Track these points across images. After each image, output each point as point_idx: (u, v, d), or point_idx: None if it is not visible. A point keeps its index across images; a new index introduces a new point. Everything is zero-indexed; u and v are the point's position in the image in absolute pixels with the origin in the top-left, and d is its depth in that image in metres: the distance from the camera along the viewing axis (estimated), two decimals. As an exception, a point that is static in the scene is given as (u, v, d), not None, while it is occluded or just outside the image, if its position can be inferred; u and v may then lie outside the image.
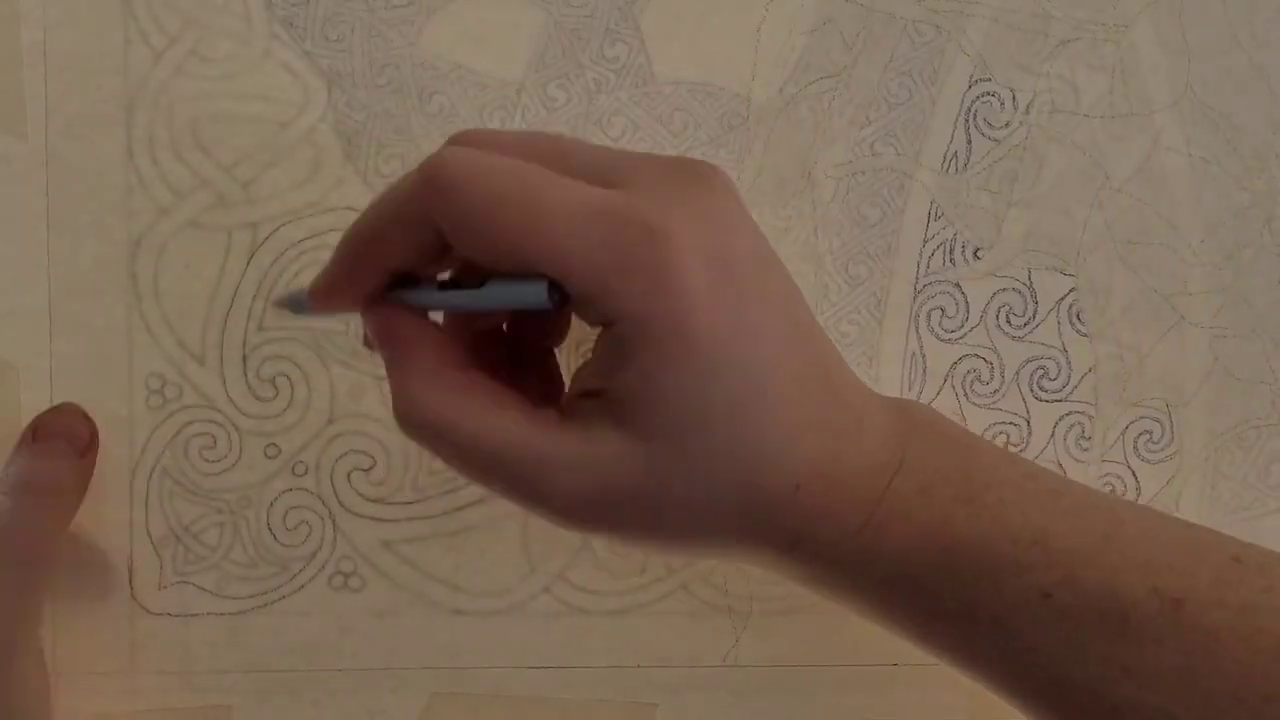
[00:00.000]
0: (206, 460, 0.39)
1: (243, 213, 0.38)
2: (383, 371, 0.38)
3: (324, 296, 0.31)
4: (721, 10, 0.39)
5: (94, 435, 0.38)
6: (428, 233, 0.29)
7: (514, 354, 0.33)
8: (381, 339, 0.31)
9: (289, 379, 0.39)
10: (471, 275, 0.30)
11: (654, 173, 0.29)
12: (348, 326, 0.39)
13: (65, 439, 0.37)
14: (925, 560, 0.29)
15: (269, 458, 0.39)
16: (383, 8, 0.38)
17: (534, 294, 0.28)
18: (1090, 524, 0.30)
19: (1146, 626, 0.28)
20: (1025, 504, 0.30)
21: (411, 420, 0.29)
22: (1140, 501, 0.41)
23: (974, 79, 0.40)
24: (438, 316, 0.32)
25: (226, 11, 0.38)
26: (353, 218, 0.38)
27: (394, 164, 0.39)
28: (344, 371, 0.39)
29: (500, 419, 0.29)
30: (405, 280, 0.31)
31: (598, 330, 0.29)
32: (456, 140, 0.31)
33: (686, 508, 0.28)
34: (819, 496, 0.29)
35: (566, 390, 0.32)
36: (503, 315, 0.33)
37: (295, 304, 0.33)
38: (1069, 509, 0.30)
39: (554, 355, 0.34)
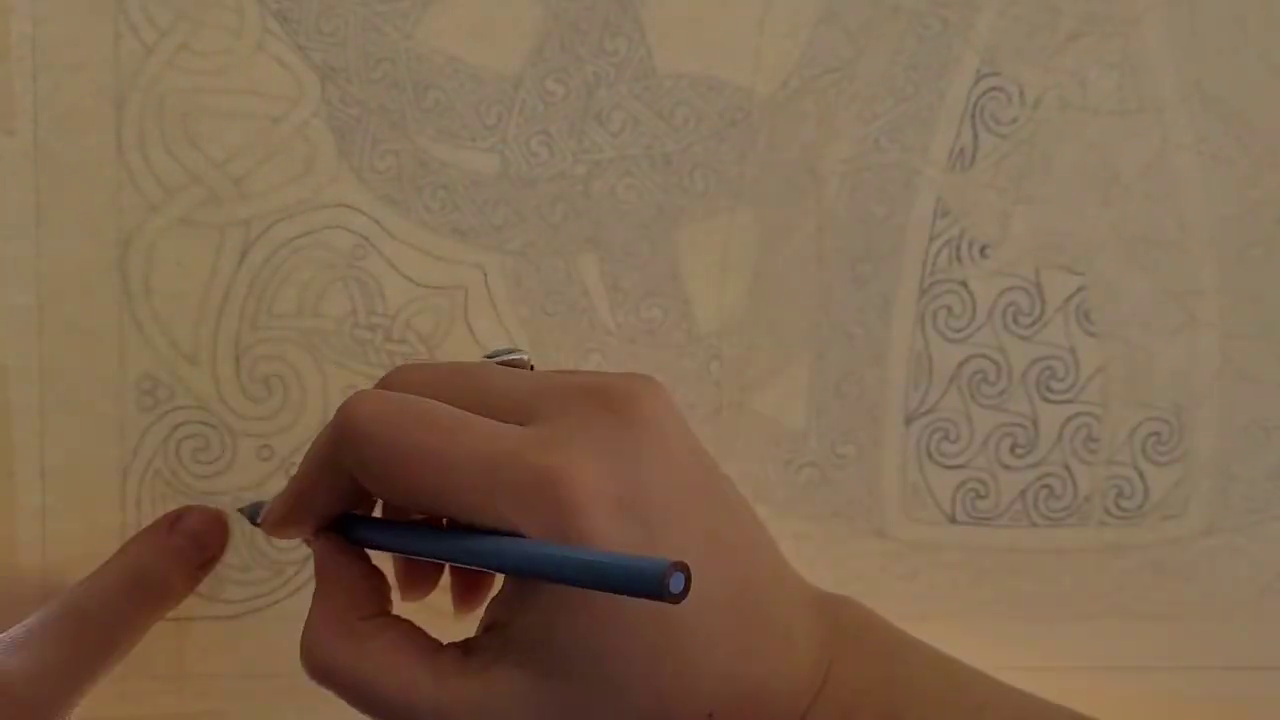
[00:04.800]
0: (199, 462, 0.38)
1: (235, 209, 0.38)
2: (378, 372, 0.38)
3: (272, 528, 0.32)
4: (724, 2, 0.39)
5: (222, 549, 0.38)
6: (348, 480, 0.29)
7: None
8: (315, 570, 0.32)
9: (282, 379, 0.38)
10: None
11: (567, 404, 0.29)
12: (340, 326, 0.38)
13: (196, 547, 0.37)
14: None
15: (263, 460, 0.38)
16: (378, 0, 0.38)
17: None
18: None
19: None
20: None
21: (309, 661, 0.30)
22: (1149, 501, 0.41)
23: (981, 73, 0.40)
24: None
25: (218, 5, 0.37)
26: (346, 214, 0.38)
27: (388, 160, 0.38)
28: (338, 371, 0.39)
29: (397, 668, 0.29)
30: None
31: None
32: (384, 380, 0.31)
33: None
34: None
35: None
36: None
37: (254, 515, 0.34)
38: None
39: None
